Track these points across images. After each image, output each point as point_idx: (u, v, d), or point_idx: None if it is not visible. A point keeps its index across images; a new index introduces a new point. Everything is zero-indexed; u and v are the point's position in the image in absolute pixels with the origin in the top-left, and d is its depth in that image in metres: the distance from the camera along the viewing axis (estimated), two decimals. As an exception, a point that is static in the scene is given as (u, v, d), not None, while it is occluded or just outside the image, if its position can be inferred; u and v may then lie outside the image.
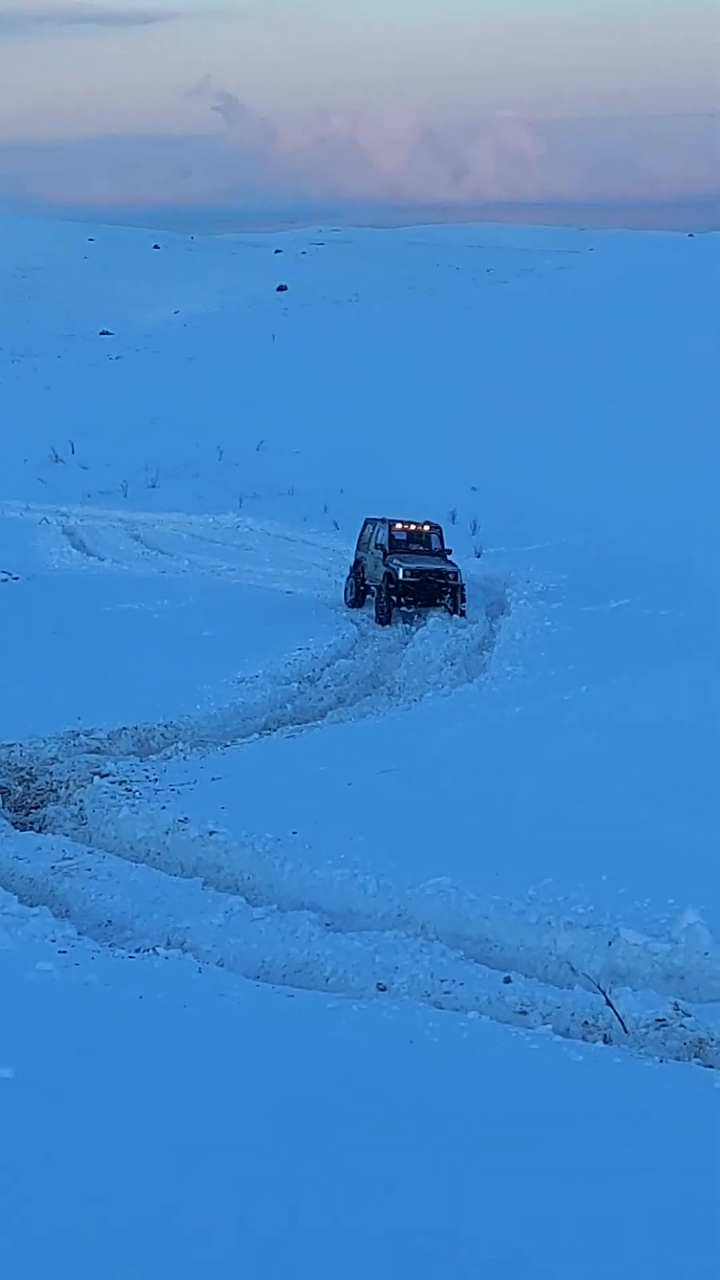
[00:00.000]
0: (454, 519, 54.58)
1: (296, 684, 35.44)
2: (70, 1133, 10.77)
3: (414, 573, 43.20)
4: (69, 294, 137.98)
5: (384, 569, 43.70)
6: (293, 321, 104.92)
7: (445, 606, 43.10)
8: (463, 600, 43.65)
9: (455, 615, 42.67)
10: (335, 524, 56.43)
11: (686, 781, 22.25)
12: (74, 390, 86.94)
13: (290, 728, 32.03)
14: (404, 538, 45.42)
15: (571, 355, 75.64)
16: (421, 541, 45.56)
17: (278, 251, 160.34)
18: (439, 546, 45.64)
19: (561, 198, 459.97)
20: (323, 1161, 10.46)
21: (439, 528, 46.83)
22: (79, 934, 18.63)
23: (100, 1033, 13.39)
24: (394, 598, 43.12)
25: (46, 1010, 14.14)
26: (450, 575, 43.56)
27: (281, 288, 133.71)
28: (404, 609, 43.13)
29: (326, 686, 35.93)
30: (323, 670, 37.12)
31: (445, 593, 43.33)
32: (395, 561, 43.69)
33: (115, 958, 17.33)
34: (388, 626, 42.66)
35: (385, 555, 44.14)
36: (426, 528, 46.22)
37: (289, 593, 46.99)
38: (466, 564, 49.70)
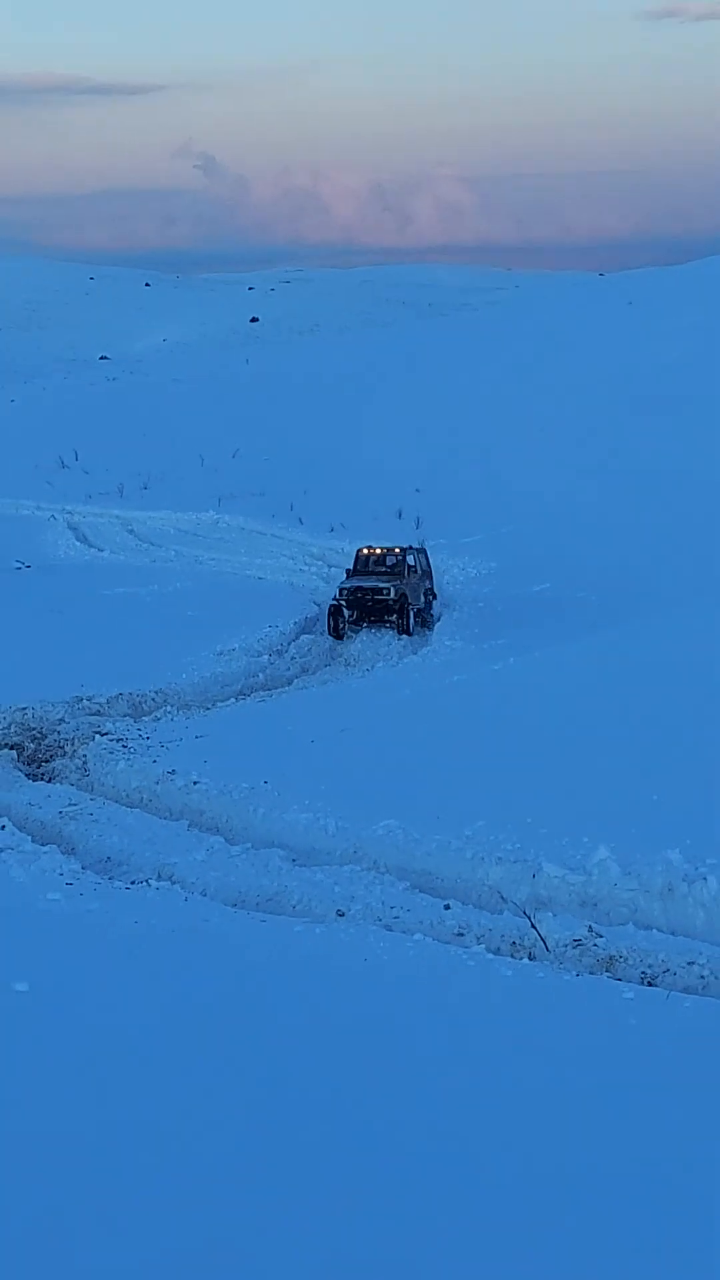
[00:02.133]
0: (400, 515, 54.54)
1: (267, 656, 35.36)
2: (77, 1039, 10.75)
3: (349, 591, 38.74)
4: (72, 325, 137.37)
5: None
6: (263, 348, 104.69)
7: (392, 625, 38.62)
8: (420, 622, 39.40)
9: (401, 635, 38.24)
10: (300, 520, 56.32)
11: (599, 738, 22.26)
12: (77, 406, 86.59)
13: (262, 693, 31.99)
14: (370, 561, 41.02)
15: (501, 376, 75.57)
16: (383, 564, 40.62)
17: (250, 289, 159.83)
18: (405, 567, 40.27)
19: (492, 242, 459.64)
20: (294, 1062, 10.46)
21: (414, 550, 41.77)
22: (83, 868, 18.60)
23: (102, 953, 13.37)
24: (333, 616, 38.46)
25: (56, 934, 14.12)
26: (385, 592, 38.63)
27: (254, 319, 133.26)
28: (353, 626, 38.40)
29: (292, 659, 35.87)
30: (289, 644, 37.04)
31: (388, 611, 38.66)
32: (340, 584, 40.01)
33: (114, 888, 17.30)
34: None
35: (346, 576, 40.56)
36: (397, 551, 41.09)
37: (260, 579, 46.87)
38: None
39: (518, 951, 15.36)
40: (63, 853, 19.41)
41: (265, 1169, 8.68)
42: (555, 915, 16.11)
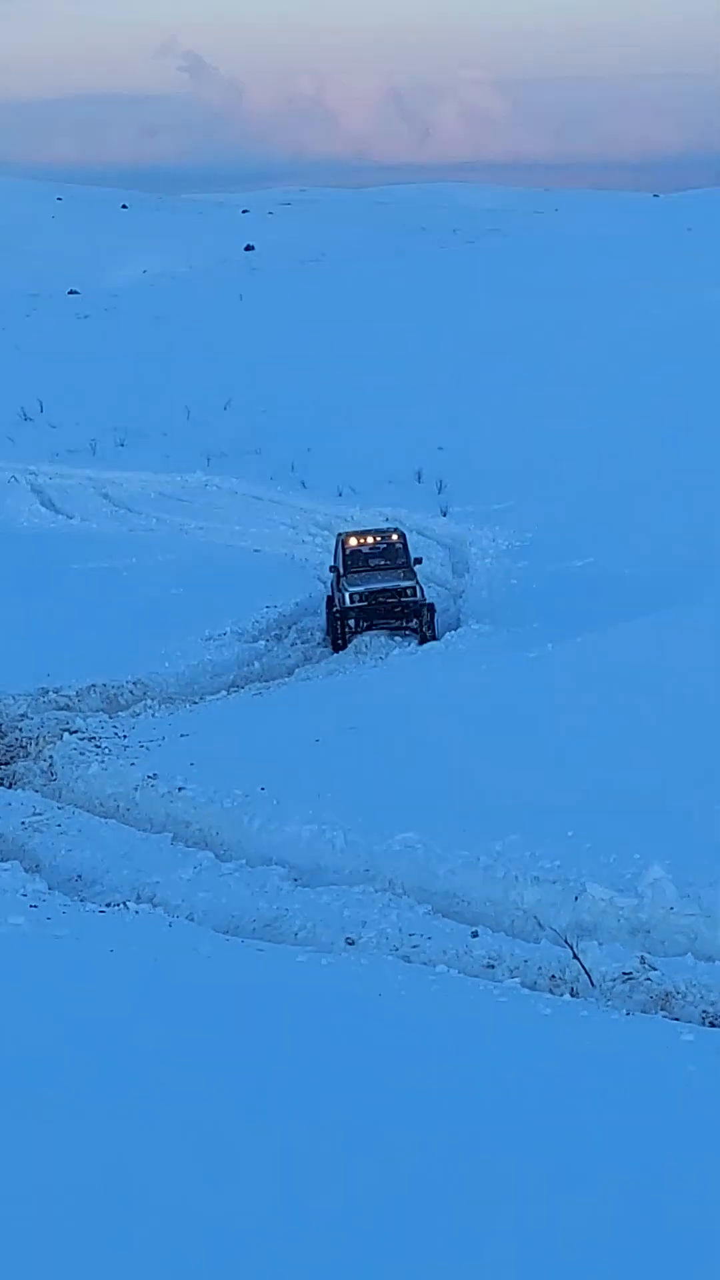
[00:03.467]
0: (420, 478, 54.53)
1: (264, 642, 35.45)
2: (40, 1084, 10.77)
3: (362, 595, 36.83)
4: (37, 253, 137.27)
5: (335, 594, 37.85)
6: (260, 281, 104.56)
7: (411, 631, 36.81)
8: (429, 624, 36.99)
9: (424, 643, 35.97)
10: (302, 483, 56.35)
11: (651, 737, 22.26)
12: (42, 349, 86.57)
13: (258, 685, 32.06)
14: (362, 552, 38.86)
15: (538, 315, 75.44)
16: (382, 555, 38.89)
17: (245, 211, 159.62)
18: (408, 555, 39.05)
19: (527, 158, 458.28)
20: (292, 1116, 10.48)
21: (401, 534, 40.38)
22: (49, 888, 18.67)
23: (72, 986, 13.40)
24: (340, 625, 36.60)
25: (18, 964, 14.14)
26: (409, 594, 37.16)
27: (249, 247, 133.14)
28: (358, 634, 36.54)
29: (293, 644, 35.97)
30: (289, 628, 37.14)
31: (406, 614, 37.02)
32: (344, 584, 37.38)
33: (86, 912, 17.35)
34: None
35: (339, 578, 38.05)
36: (395, 537, 39.65)
37: (256, 551, 46.91)
38: (432, 523, 49.68)
39: (558, 986, 15.39)
40: (26, 870, 19.48)
41: (251, 1242, 8.71)
42: (601, 944, 16.12)
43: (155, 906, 18.09)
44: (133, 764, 24.43)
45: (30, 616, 36.43)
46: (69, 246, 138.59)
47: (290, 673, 33.57)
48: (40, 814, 22.78)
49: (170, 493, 58.52)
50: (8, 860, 19.83)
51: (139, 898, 18.55)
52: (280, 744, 24.78)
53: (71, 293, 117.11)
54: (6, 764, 26.24)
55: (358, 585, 37.07)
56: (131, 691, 30.68)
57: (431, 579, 43.74)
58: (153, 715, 28.80)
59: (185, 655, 33.08)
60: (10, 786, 25.03)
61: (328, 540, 48.67)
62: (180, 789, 22.86)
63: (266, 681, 32.36)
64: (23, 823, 22.24)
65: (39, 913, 16.58)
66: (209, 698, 30.94)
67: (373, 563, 38.43)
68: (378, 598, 36.78)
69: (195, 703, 30.39)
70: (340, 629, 36.39)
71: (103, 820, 22.59)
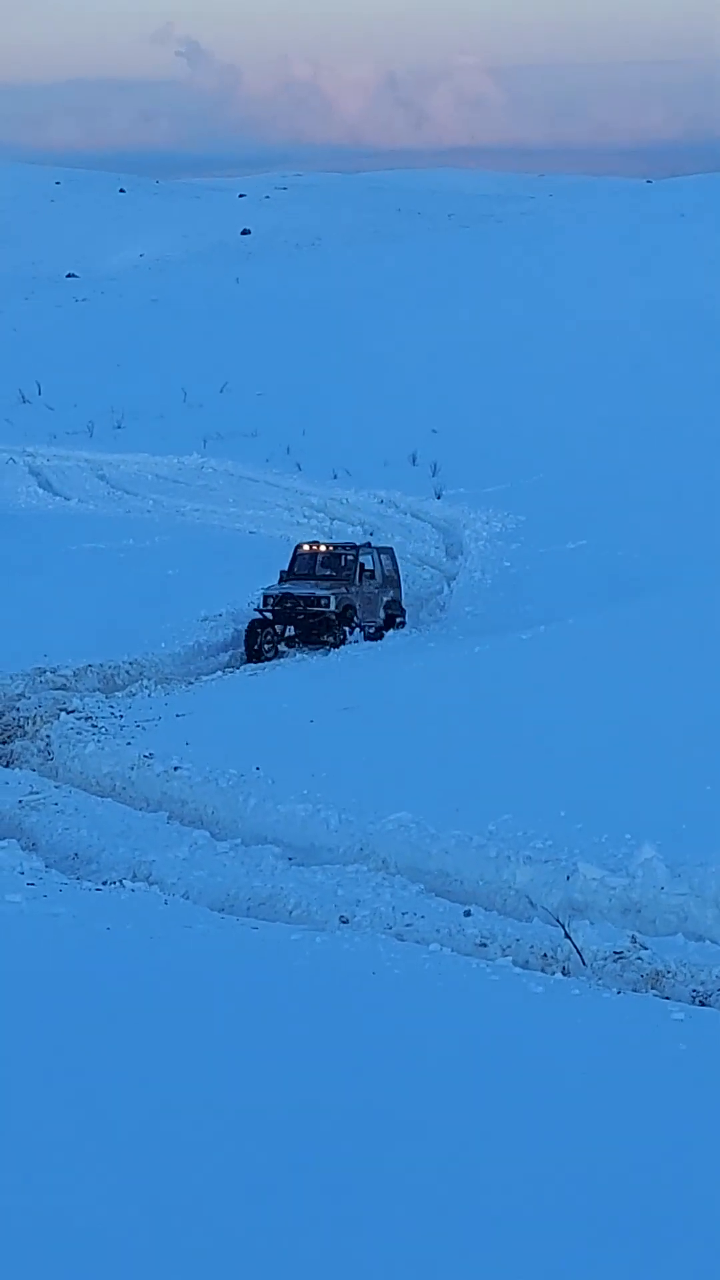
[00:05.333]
0: (414, 461, 54.51)
1: (259, 623, 35.44)
2: (39, 1061, 10.76)
3: (275, 600, 34.64)
4: (34, 237, 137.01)
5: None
6: (256, 265, 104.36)
7: (327, 643, 34.27)
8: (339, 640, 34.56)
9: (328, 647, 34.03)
10: (298, 465, 56.33)
11: (644, 718, 22.27)
12: (40, 332, 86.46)
13: (253, 665, 32.05)
14: (310, 559, 36.76)
15: (531, 300, 75.42)
16: (329, 565, 36.45)
17: (241, 196, 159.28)
18: (357, 571, 36.38)
19: (521, 144, 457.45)
20: (286, 1093, 10.47)
21: (376, 550, 38.01)
22: (46, 866, 18.65)
23: (69, 963, 13.38)
24: (254, 632, 34.16)
25: (15, 941, 14.13)
26: (323, 603, 34.44)
27: (245, 232, 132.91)
28: (269, 646, 34.11)
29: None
30: (285, 609, 37.06)
31: (327, 628, 34.50)
32: (267, 587, 35.61)
33: (83, 890, 17.33)
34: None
35: (280, 578, 36.23)
36: (349, 549, 37.28)
37: (252, 533, 46.94)
38: (426, 505, 49.65)
39: (549, 965, 15.40)
40: (23, 848, 19.47)
41: (240, 1225, 8.70)
42: (593, 924, 16.14)
43: (151, 884, 18.08)
44: (129, 743, 24.43)
45: (27, 597, 36.40)
46: (66, 230, 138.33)
47: (285, 654, 33.59)
48: (37, 792, 22.77)
49: (167, 475, 58.51)
50: (5, 838, 19.80)
51: (135, 876, 18.55)
52: (275, 724, 24.80)
53: (69, 276, 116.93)
54: (4, 743, 26.23)
55: (274, 589, 35.19)
56: (128, 671, 30.69)
57: (425, 561, 43.79)
58: (149, 695, 28.80)
59: (181, 636, 33.09)
60: (7, 765, 25.04)
61: (323, 523, 48.70)
62: (176, 768, 22.87)
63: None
64: (20, 801, 22.23)
65: (36, 890, 16.56)
66: (205, 678, 30.96)
67: (315, 571, 36.28)
68: (285, 604, 34.52)
69: (191, 683, 30.41)
70: (254, 637, 34.02)
71: (99, 799, 22.60)
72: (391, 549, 39.41)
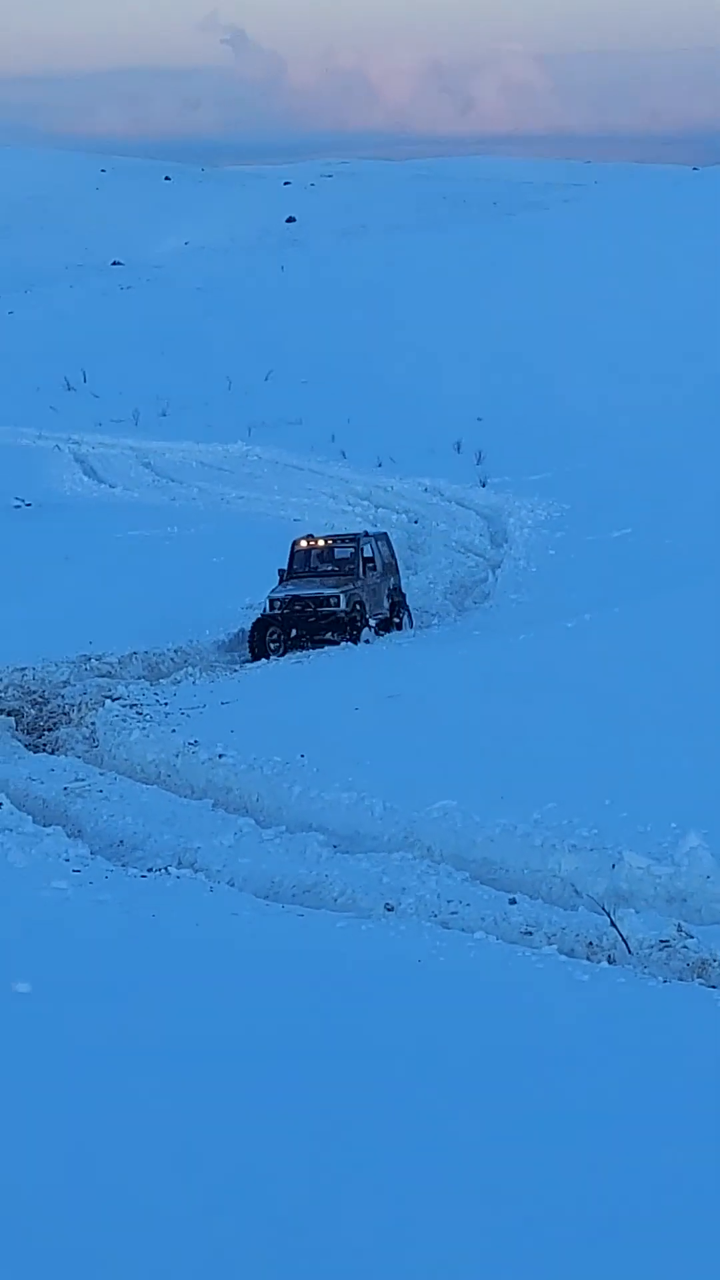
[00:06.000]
0: (459, 449, 54.49)
1: (304, 611, 35.49)
2: (86, 1046, 10.81)
3: (283, 603, 33.12)
4: (80, 224, 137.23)
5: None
6: (301, 253, 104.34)
7: (336, 642, 32.91)
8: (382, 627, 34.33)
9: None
10: (343, 453, 56.37)
11: (688, 707, 22.23)
12: (85, 319, 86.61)
13: (298, 654, 32.08)
14: (309, 556, 35.35)
15: (577, 287, 75.27)
16: (330, 559, 35.20)
17: (286, 183, 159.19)
18: (360, 563, 35.02)
19: (567, 131, 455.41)
20: (331, 1080, 10.50)
21: (373, 539, 36.55)
22: (92, 853, 18.69)
23: (115, 950, 13.44)
24: (254, 634, 32.85)
25: (62, 927, 14.20)
26: (333, 602, 33.16)
27: (290, 219, 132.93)
28: (275, 645, 32.72)
29: (333, 613, 35.88)
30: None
31: (338, 627, 33.20)
32: (272, 590, 34.01)
33: (128, 877, 17.38)
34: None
35: (281, 578, 34.69)
36: (349, 541, 35.96)
37: (297, 520, 46.88)
38: (471, 494, 49.62)
39: (595, 953, 15.36)
40: (68, 835, 19.51)
41: (290, 1202, 8.73)
42: (638, 912, 16.09)
43: (196, 872, 18.10)
44: (174, 731, 24.47)
45: (72, 584, 36.52)
46: (112, 218, 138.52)
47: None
48: (82, 780, 22.83)
49: (211, 462, 58.61)
50: (51, 825, 19.87)
51: (180, 863, 18.57)
52: (320, 712, 24.82)
53: (114, 263, 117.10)
54: (49, 730, 26.31)
55: (280, 591, 33.74)
56: (173, 659, 30.76)
57: (470, 549, 43.76)
58: (194, 683, 28.85)
59: (226, 624, 33.15)
60: (53, 752, 25.11)
61: (368, 511, 48.74)
62: (221, 756, 22.88)
63: (306, 650, 32.39)
64: (65, 788, 22.29)
65: (82, 877, 16.62)
66: (249, 666, 31.02)
67: (316, 568, 34.91)
68: (295, 606, 33.11)
69: (235, 670, 30.47)
70: (254, 638, 32.73)
71: (144, 786, 22.64)
72: (386, 534, 38.22)
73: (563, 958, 14.61)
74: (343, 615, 33.28)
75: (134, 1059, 10.63)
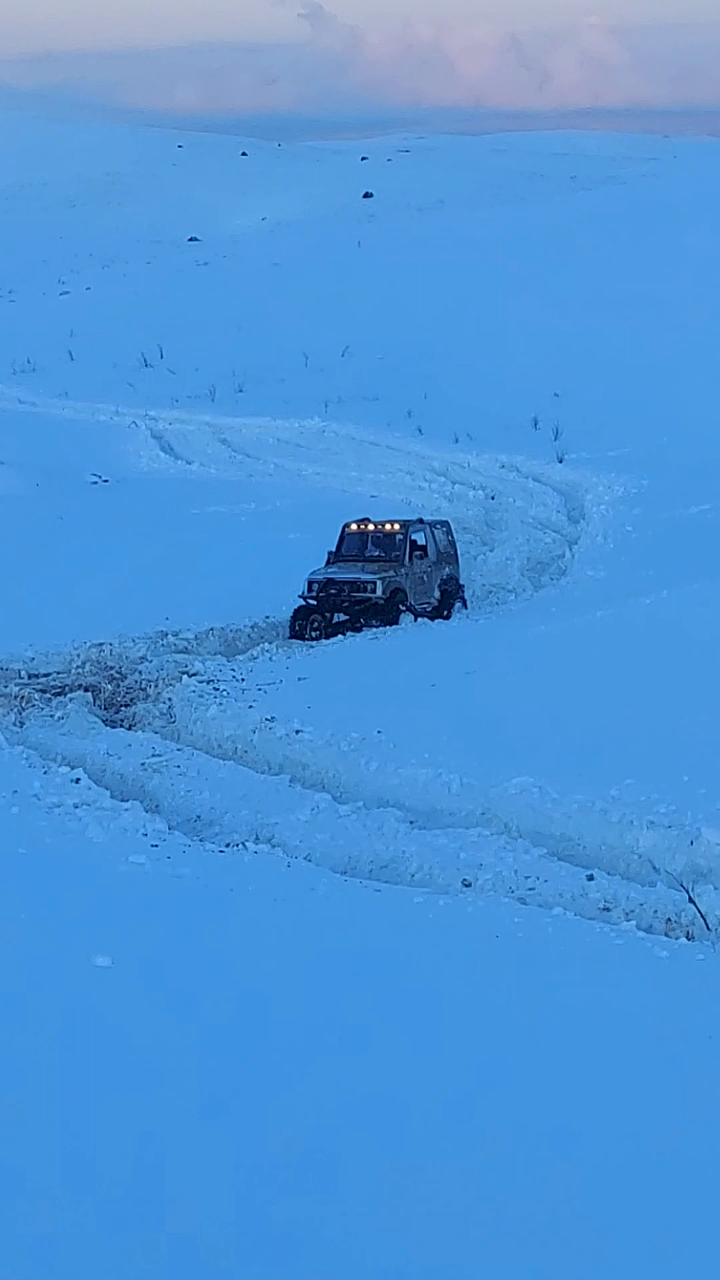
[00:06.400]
0: (536, 425, 54.35)
1: (380, 587, 35.52)
2: (165, 1020, 10.87)
3: (320, 585, 32.47)
4: (157, 200, 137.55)
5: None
6: (378, 228, 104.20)
7: (374, 627, 32.20)
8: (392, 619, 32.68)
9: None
10: (419, 429, 56.30)
11: (768, 685, 22.14)
12: (162, 296, 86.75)
13: (373, 629, 32.07)
14: (357, 540, 34.53)
15: (654, 262, 74.95)
16: (377, 544, 34.30)
17: (364, 159, 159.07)
18: (408, 550, 34.22)
19: (646, 105, 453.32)
20: (410, 1053, 10.52)
21: (429, 526, 35.81)
22: (170, 828, 18.74)
23: (193, 924, 13.49)
24: (299, 618, 32.24)
25: (141, 902, 14.25)
26: (369, 588, 32.53)
27: (367, 194, 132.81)
28: (316, 632, 31.92)
29: (410, 589, 35.88)
30: (406, 573, 37.06)
31: (377, 613, 32.55)
32: (312, 571, 33.38)
33: (206, 851, 17.43)
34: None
35: (328, 560, 34.15)
36: (397, 527, 34.79)
37: (373, 496, 46.88)
38: (548, 470, 49.49)
39: (673, 930, 15.34)
40: (146, 810, 19.55)
41: (371, 1174, 8.76)
42: (717, 889, 16.06)
43: (273, 847, 18.14)
44: (250, 706, 24.51)
45: (149, 561, 36.62)
46: (189, 194, 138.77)
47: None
48: (159, 755, 22.88)
49: (288, 438, 58.60)
50: (128, 801, 19.93)
51: (258, 838, 18.62)
52: (396, 688, 24.81)
53: (191, 239, 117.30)
54: (126, 706, 26.38)
55: (319, 573, 33.15)
56: (249, 635, 30.81)
57: (547, 525, 43.63)
58: (270, 659, 28.89)
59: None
60: (130, 728, 25.16)
61: (444, 487, 48.63)
62: (298, 731, 22.91)
63: (383, 626, 32.39)
64: (142, 764, 22.35)
65: (160, 851, 16.69)
66: (326, 642, 31.02)
67: (363, 553, 34.18)
68: (330, 589, 32.51)
69: (312, 647, 30.47)
70: (299, 623, 32.15)
71: (221, 762, 22.67)
72: (448, 523, 37.46)
73: (641, 934, 14.61)
74: (379, 601, 32.68)
75: (213, 1029, 10.69)
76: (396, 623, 32.33)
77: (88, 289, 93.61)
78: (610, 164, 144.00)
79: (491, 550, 40.55)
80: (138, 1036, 10.51)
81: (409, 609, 33.26)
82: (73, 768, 21.40)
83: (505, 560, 39.54)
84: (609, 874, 17.06)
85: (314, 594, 32.55)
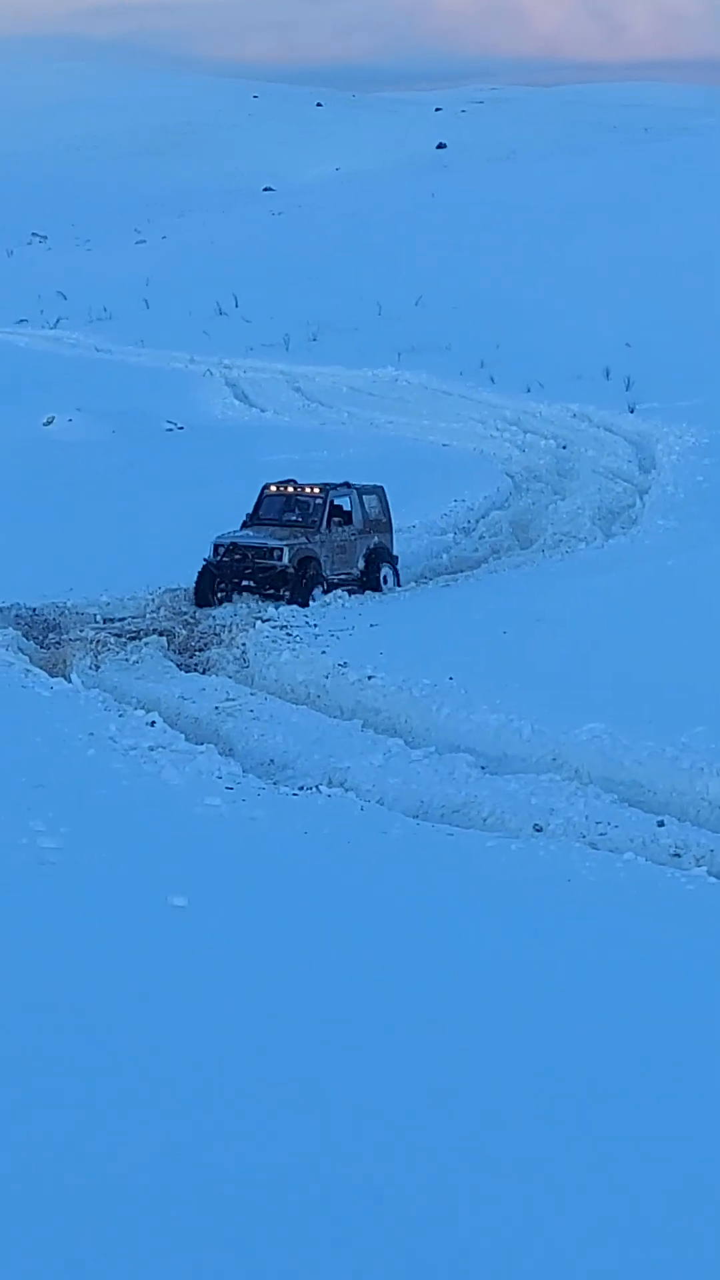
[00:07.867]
0: (608, 375, 54.05)
1: (452, 534, 35.46)
2: (242, 960, 10.90)
3: (225, 550, 29.79)
4: (233, 150, 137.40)
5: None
6: (451, 179, 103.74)
7: (279, 599, 29.20)
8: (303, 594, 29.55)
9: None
10: (491, 378, 56.05)
11: None
12: (237, 245, 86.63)
13: (445, 577, 32.04)
14: (276, 502, 31.68)
15: (727, 213, 74.47)
16: (293, 508, 31.50)
17: (437, 110, 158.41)
18: (326, 515, 31.27)
19: (718, 57, 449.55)
20: (488, 995, 10.52)
21: (356, 490, 32.54)
22: (244, 771, 18.79)
23: (268, 865, 13.53)
24: (202, 580, 29.60)
25: (216, 843, 14.31)
26: (274, 555, 29.76)
27: (441, 145, 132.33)
28: (221, 595, 29.46)
29: (481, 537, 35.84)
30: (478, 521, 37.00)
31: (281, 583, 29.58)
32: (219, 534, 30.49)
33: (280, 795, 17.47)
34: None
35: (242, 525, 31.34)
36: (316, 491, 31.87)
37: (445, 445, 46.74)
38: (619, 420, 49.24)
39: (744, 876, 15.31)
40: (220, 754, 19.60)
41: (454, 1116, 8.77)
42: (787, 835, 16.03)
43: (346, 791, 18.16)
44: (323, 652, 24.51)
45: (224, 507, 36.58)
46: (263, 144, 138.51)
47: (478, 565, 33.44)
48: (233, 699, 22.92)
49: (361, 387, 58.42)
50: (203, 744, 19.98)
51: (331, 782, 18.65)
52: (468, 635, 24.77)
53: (265, 189, 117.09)
54: (201, 650, 26.42)
55: (225, 536, 30.44)
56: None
57: (618, 475, 43.39)
58: (343, 605, 28.85)
59: (375, 547, 33.08)
60: (204, 672, 25.21)
61: (516, 436, 48.40)
62: (370, 677, 22.90)
63: (455, 574, 32.32)
64: (216, 708, 22.40)
65: (234, 794, 16.74)
66: (397, 589, 30.98)
67: (279, 516, 31.32)
68: (233, 554, 29.87)
69: (384, 594, 30.44)
70: (202, 584, 29.69)
71: (294, 706, 22.70)
72: (381, 488, 33.35)
73: (712, 880, 14.60)
74: (284, 570, 29.82)
75: (289, 969, 10.71)
76: (307, 598, 29.45)
77: (164, 238, 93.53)
78: (683, 115, 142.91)
79: (563, 499, 40.36)
80: (212, 975, 10.54)
81: (324, 580, 30.49)
82: (148, 711, 21.44)
83: (577, 509, 39.33)
84: (679, 820, 17.04)
85: (218, 558, 29.94)
